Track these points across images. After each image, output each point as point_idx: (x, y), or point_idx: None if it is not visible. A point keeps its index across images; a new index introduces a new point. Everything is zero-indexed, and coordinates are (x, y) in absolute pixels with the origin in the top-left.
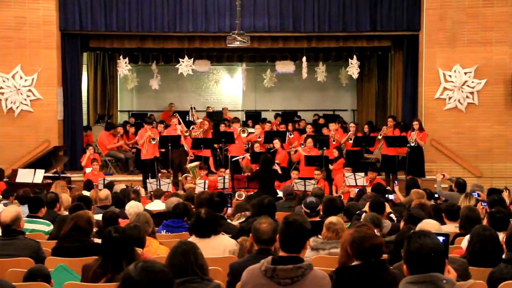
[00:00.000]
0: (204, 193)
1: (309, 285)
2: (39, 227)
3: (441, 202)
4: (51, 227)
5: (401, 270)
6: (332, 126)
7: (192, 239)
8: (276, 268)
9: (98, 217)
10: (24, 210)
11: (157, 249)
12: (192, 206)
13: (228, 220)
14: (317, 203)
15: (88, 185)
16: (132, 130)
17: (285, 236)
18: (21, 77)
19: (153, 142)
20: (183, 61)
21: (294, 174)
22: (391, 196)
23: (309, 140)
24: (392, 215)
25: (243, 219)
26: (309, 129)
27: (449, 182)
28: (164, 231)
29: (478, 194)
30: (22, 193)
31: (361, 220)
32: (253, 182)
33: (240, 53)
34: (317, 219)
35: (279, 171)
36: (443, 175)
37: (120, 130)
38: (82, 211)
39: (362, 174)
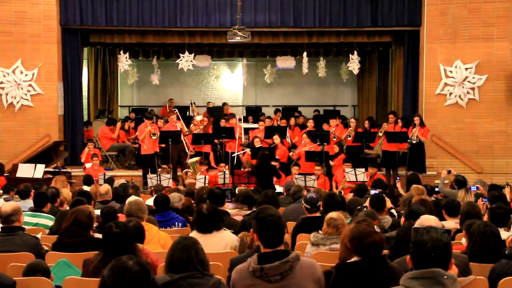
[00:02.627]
0: (204, 189)
1: (299, 275)
2: (43, 221)
3: (441, 197)
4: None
5: (402, 266)
6: (333, 122)
7: (194, 234)
8: (263, 267)
9: (99, 212)
10: (25, 205)
11: (156, 233)
12: (192, 202)
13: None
14: (317, 198)
15: (88, 180)
16: (132, 125)
17: (264, 233)
18: (21, 72)
19: (154, 138)
20: (183, 56)
21: (294, 169)
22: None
23: (304, 136)
24: (393, 211)
25: (248, 213)
26: (310, 124)
27: (451, 180)
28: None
29: (477, 187)
30: (23, 187)
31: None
32: (253, 177)
33: (241, 48)
34: (317, 214)
35: (277, 167)
36: (449, 171)
37: (126, 126)
38: (82, 205)
39: (363, 169)
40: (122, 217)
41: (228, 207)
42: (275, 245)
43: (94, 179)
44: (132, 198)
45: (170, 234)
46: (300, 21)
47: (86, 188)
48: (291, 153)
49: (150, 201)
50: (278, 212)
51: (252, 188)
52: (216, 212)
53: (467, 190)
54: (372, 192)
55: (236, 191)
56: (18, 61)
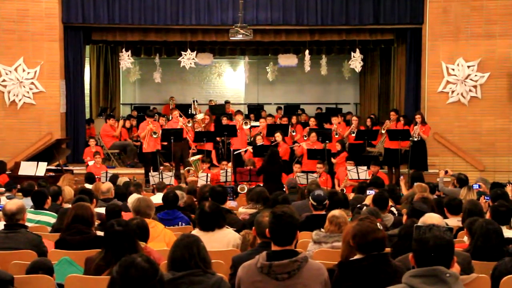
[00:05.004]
0: (206, 187)
1: (306, 277)
2: (45, 219)
3: (443, 195)
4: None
5: (405, 263)
6: (335, 119)
7: (196, 232)
8: (272, 264)
9: (101, 210)
10: (28, 202)
11: (162, 231)
12: (194, 200)
13: (241, 208)
14: (324, 196)
15: (89, 178)
16: (134, 123)
17: (276, 229)
18: (23, 70)
19: (155, 136)
20: (185, 54)
21: (296, 167)
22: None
23: (313, 134)
24: (393, 209)
25: (255, 211)
26: (312, 122)
27: (453, 178)
28: None
29: (479, 185)
30: (26, 185)
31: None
32: (259, 175)
33: (243, 46)
34: (323, 212)
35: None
36: (446, 171)
37: (127, 124)
38: (82, 202)
39: (365, 167)
40: (124, 215)
41: (240, 209)
42: (286, 243)
43: (96, 177)
44: (135, 196)
45: (172, 232)
46: (302, 19)
47: (88, 186)
48: (295, 146)
49: (152, 199)
50: (293, 211)
51: (254, 186)
52: (219, 210)
53: (469, 188)
54: (369, 192)
55: (239, 189)
56: (20, 59)
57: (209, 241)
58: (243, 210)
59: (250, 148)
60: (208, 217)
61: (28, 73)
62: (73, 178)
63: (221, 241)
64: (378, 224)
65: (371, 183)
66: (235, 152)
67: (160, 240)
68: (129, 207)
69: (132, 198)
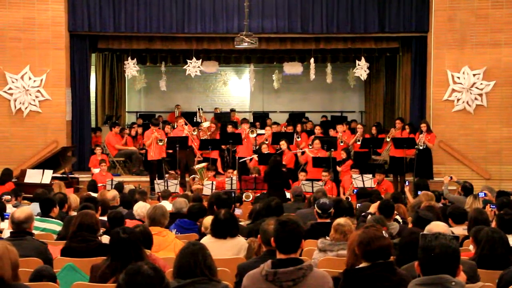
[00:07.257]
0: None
1: (311, 285)
2: (50, 226)
3: (449, 203)
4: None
5: (410, 272)
6: (340, 128)
7: (208, 239)
8: (277, 271)
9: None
10: (36, 208)
11: (173, 241)
12: None
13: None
14: (330, 205)
15: (92, 186)
16: (139, 131)
17: (281, 237)
18: (29, 78)
19: (160, 144)
20: (191, 62)
21: (301, 175)
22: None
23: (316, 141)
24: (397, 217)
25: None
26: (317, 130)
27: (456, 184)
28: (175, 230)
29: (485, 194)
30: (41, 192)
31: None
32: (261, 183)
33: (248, 54)
34: (328, 220)
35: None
36: (451, 177)
37: (133, 132)
38: (86, 210)
39: (370, 175)
40: (129, 223)
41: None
42: (291, 251)
43: (102, 184)
44: (141, 204)
45: (180, 239)
46: (307, 27)
47: (93, 194)
48: (299, 152)
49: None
50: (299, 219)
51: (260, 194)
52: (233, 219)
53: (475, 196)
54: (358, 205)
55: (244, 197)
56: (27, 67)
57: (220, 249)
58: (242, 223)
59: (255, 156)
60: (222, 224)
61: (34, 81)
62: (64, 185)
63: (232, 249)
64: (383, 232)
65: (359, 194)
66: (241, 160)
67: (170, 250)
68: (134, 215)
69: (137, 206)
